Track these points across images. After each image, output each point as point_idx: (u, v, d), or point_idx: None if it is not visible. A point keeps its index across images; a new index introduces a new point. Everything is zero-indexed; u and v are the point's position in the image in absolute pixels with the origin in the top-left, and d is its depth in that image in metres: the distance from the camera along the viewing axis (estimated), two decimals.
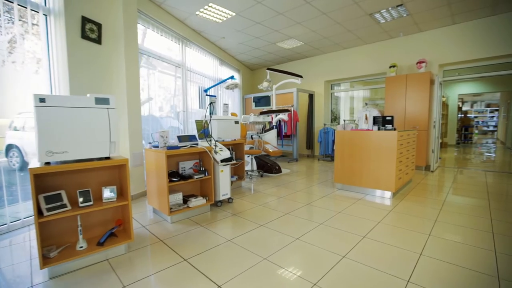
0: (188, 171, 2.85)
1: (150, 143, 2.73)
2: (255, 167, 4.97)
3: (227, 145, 3.85)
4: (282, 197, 3.32)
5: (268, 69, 4.66)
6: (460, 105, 11.53)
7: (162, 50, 4.44)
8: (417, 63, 4.98)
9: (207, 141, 2.98)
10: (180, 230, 2.32)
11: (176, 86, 5.04)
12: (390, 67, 5.29)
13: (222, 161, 2.91)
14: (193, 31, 5.10)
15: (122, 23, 3.14)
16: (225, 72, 6.84)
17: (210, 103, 2.96)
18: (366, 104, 5.78)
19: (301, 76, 4.84)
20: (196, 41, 5.25)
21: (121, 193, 2.01)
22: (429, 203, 2.96)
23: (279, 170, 4.85)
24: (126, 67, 3.19)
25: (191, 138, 2.78)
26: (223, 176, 2.98)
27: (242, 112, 7.66)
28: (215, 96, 4.41)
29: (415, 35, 5.19)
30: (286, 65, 7.48)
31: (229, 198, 3.12)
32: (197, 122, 3.22)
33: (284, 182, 4.17)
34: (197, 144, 2.78)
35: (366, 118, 4.14)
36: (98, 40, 3.03)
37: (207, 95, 4.24)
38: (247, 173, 4.71)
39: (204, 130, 3.21)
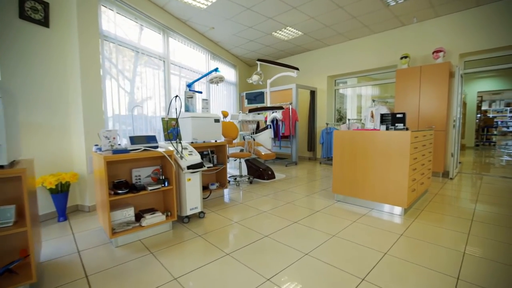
0: (145, 180, 2.30)
1: (96, 145, 2.21)
2: (244, 172, 4.40)
3: (206, 148, 3.31)
4: (267, 211, 2.73)
5: (259, 60, 4.08)
6: (479, 104, 10.61)
7: (139, 40, 3.94)
8: (433, 52, 4.30)
9: (171, 143, 2.44)
10: (121, 259, 1.77)
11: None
12: (402, 58, 4.61)
13: (188, 167, 2.36)
14: (177, 19, 4.57)
15: (75, 2, 2.64)
16: (219, 68, 6.30)
17: (176, 96, 2.41)
18: (374, 101, 5.12)
19: (297, 69, 4.24)
20: (181, 31, 4.73)
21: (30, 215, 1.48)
22: (452, 223, 2.31)
23: (272, 176, 4.27)
24: (80, 56, 2.69)
25: (149, 139, 2.24)
26: (191, 186, 2.42)
27: (239, 110, 7.10)
28: (201, 92, 3.90)
29: (431, 21, 4.50)
30: (286, 60, 6.88)
31: (200, 213, 2.56)
32: (164, 120, 2.68)
33: (275, 190, 3.58)
34: (156, 147, 2.23)
35: (372, 116, 3.51)
36: (44, 22, 2.54)
37: (190, 90, 3.74)
38: (235, 179, 4.14)
39: (172, 130, 2.66)
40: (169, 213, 2.29)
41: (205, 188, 3.23)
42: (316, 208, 2.79)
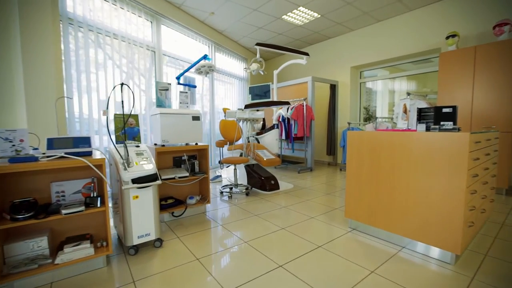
0: (72, 197, 1.71)
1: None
2: (243, 181, 3.69)
3: (182, 152, 2.68)
4: (248, 240, 2.00)
5: (258, 44, 3.34)
6: None
7: (119, 26, 3.43)
8: (494, 27, 3.20)
9: (115, 147, 1.81)
10: None
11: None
12: (448, 37, 3.56)
13: (134, 181, 1.72)
14: (169, 3, 4.01)
15: None
16: (225, 61, 5.69)
17: (121, 84, 1.79)
18: (409, 94, 4.09)
19: (306, 54, 3.43)
20: (176, 18, 4.17)
21: None
22: None
23: (275, 186, 3.50)
24: (22, 41, 2.20)
25: (78, 142, 1.64)
26: (140, 206, 1.78)
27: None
28: (195, 87, 3.31)
29: None
30: (304, 50, 6.04)
31: (155, 241, 1.91)
32: (117, 117, 2.07)
33: (273, 207, 2.82)
34: (88, 153, 1.63)
35: (405, 111, 2.60)
36: None
37: (178, 83, 3.17)
38: (230, 188, 3.46)
39: (127, 130, 2.06)
40: (104, 243, 1.67)
41: (182, 202, 2.59)
42: (319, 239, 1.99)
